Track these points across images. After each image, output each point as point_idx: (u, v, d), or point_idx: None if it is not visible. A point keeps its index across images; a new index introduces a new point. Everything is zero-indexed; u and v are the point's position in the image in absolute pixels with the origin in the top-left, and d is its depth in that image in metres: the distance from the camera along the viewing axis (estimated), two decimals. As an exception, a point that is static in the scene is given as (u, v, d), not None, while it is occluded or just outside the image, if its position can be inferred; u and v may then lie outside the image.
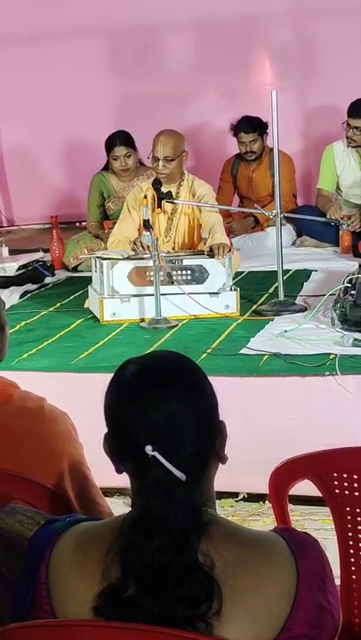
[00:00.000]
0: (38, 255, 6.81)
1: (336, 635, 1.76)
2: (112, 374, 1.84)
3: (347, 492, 2.31)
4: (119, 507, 2.45)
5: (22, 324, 5.37)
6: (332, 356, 4.40)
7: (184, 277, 5.34)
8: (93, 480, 2.46)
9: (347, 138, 7.28)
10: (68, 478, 2.37)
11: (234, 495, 4.36)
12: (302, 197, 8.14)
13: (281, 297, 5.42)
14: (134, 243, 5.50)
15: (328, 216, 7.06)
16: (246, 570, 1.66)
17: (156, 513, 1.66)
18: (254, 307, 5.52)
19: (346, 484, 2.31)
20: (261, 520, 4.15)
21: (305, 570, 1.69)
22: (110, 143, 7.01)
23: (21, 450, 2.36)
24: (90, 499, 2.42)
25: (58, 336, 5.16)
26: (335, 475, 2.32)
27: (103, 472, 2.22)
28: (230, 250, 5.46)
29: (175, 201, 5.71)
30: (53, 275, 6.72)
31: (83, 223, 8.06)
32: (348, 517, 2.33)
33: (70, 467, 2.40)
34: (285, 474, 2.36)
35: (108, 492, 2.57)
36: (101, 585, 1.67)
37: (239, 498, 4.36)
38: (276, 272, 5.48)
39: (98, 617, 1.65)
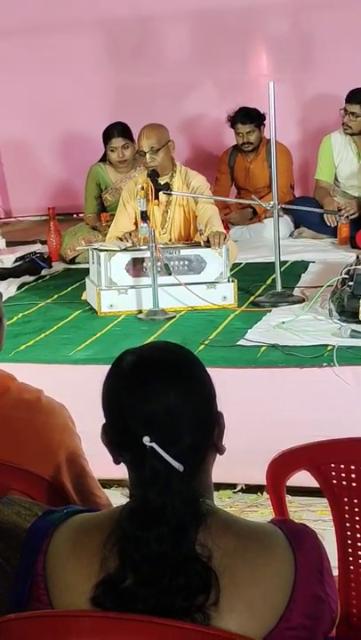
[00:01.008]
0: (36, 247, 6.80)
1: (334, 626, 1.76)
2: (110, 366, 1.84)
3: (344, 483, 2.31)
4: (117, 498, 2.44)
5: (20, 315, 5.37)
6: (329, 348, 4.40)
7: (181, 268, 5.34)
8: (91, 472, 2.46)
9: (343, 125, 7.28)
10: (65, 470, 2.37)
11: (232, 486, 4.36)
12: (300, 189, 8.13)
13: (279, 288, 5.42)
14: (120, 239, 5.54)
15: (325, 208, 7.07)
16: (244, 561, 1.67)
17: (154, 504, 1.67)
18: (252, 298, 5.52)
19: (343, 475, 2.31)
20: (259, 511, 4.15)
21: (303, 561, 1.69)
22: (108, 134, 7.00)
23: (19, 442, 2.36)
24: (87, 490, 2.42)
25: (55, 328, 5.16)
26: (333, 465, 2.32)
27: (101, 463, 2.22)
28: (226, 239, 5.47)
29: (173, 192, 5.72)
30: (51, 266, 6.72)
31: (80, 215, 8.05)
32: (346, 508, 2.33)
33: (68, 459, 2.40)
34: (283, 465, 2.36)
35: (107, 483, 2.57)
36: (99, 576, 1.67)
37: (237, 489, 4.37)
38: (273, 263, 5.48)
39: (95, 607, 1.65)
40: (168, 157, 5.80)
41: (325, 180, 7.43)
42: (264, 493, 4.18)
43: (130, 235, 5.54)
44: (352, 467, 2.31)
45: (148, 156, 5.71)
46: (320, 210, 7.02)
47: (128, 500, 1.74)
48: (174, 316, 5.19)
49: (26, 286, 6.26)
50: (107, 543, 1.68)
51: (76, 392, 3.55)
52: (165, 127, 5.87)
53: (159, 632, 1.57)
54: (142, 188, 5.40)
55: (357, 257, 5.27)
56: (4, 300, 2.83)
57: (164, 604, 1.62)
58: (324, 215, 7.09)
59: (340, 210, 6.98)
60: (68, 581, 1.72)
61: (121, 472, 1.81)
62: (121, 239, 5.61)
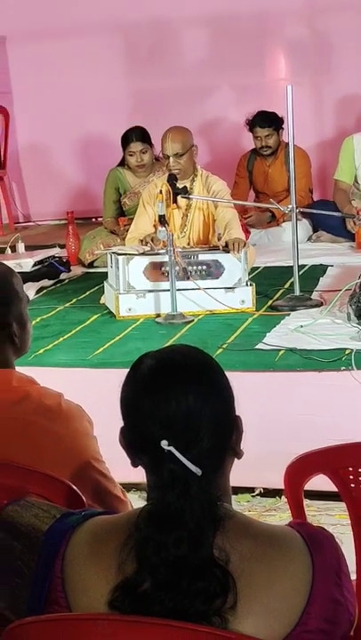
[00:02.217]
0: (54, 251, 6.82)
1: (352, 629, 1.76)
2: (128, 369, 1.84)
3: (362, 487, 2.31)
4: (135, 501, 2.46)
5: (38, 319, 5.38)
6: (347, 351, 4.39)
7: (200, 272, 5.34)
8: (109, 474, 2.46)
9: None
10: (84, 475, 2.38)
11: (250, 490, 4.35)
12: (318, 192, 8.13)
13: (297, 292, 5.42)
14: (141, 240, 5.54)
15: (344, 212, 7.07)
16: (262, 564, 1.66)
17: (173, 507, 1.66)
18: (270, 302, 5.52)
19: (361, 479, 2.31)
20: (278, 515, 4.14)
21: (320, 564, 1.68)
22: (126, 139, 7.01)
23: (38, 448, 2.36)
24: (108, 493, 2.42)
25: (74, 331, 5.17)
26: (350, 469, 2.31)
27: (119, 467, 2.23)
28: (245, 245, 5.46)
29: (191, 196, 5.72)
30: (69, 270, 6.73)
31: (99, 219, 8.07)
32: (364, 512, 2.33)
33: (86, 463, 2.41)
34: (300, 469, 2.36)
35: (125, 486, 2.57)
36: (117, 579, 1.67)
37: (255, 493, 4.36)
38: (292, 267, 5.47)
39: (113, 611, 1.65)
40: (191, 162, 5.80)
41: (345, 180, 7.40)
42: (282, 497, 4.17)
43: (152, 240, 5.53)
44: (370, 470, 2.31)
45: (171, 159, 5.71)
46: (338, 213, 7.01)
47: (146, 503, 1.74)
48: (192, 320, 5.19)
49: (44, 290, 6.28)
50: (125, 546, 1.68)
51: (94, 395, 3.56)
52: (190, 131, 5.87)
53: (177, 635, 1.57)
54: (161, 192, 5.41)
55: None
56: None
57: (181, 608, 1.62)
58: (346, 220, 7.08)
59: (358, 213, 6.97)
60: (85, 584, 1.72)
61: (139, 475, 1.81)
62: (142, 241, 5.61)
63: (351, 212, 7.08)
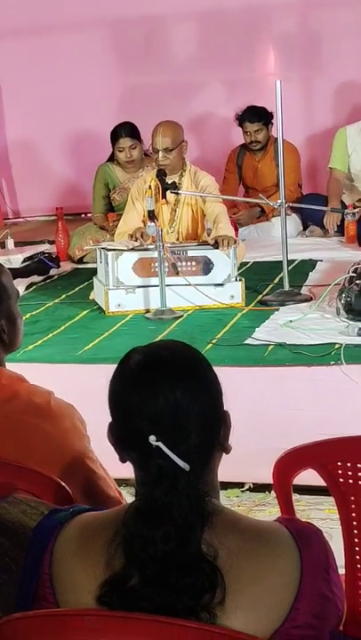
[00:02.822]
0: (44, 247, 6.81)
1: (340, 624, 1.76)
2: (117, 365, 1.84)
3: (351, 482, 2.31)
4: (124, 497, 2.46)
5: (28, 315, 5.37)
6: (337, 346, 4.40)
7: (189, 268, 5.34)
8: (101, 472, 2.45)
9: None
10: (73, 473, 2.37)
11: (240, 485, 4.36)
12: (308, 187, 8.12)
13: (286, 287, 5.42)
14: (131, 235, 5.54)
15: (325, 223, 7.10)
16: (250, 560, 1.67)
17: (160, 503, 1.67)
18: (260, 297, 5.52)
19: (350, 474, 2.30)
20: (267, 510, 4.15)
21: (308, 560, 1.69)
22: (116, 134, 7.00)
23: (28, 447, 2.35)
24: (97, 490, 2.42)
25: (63, 327, 5.16)
26: (339, 464, 2.31)
27: (108, 463, 2.23)
28: (235, 242, 5.46)
29: (180, 191, 5.72)
30: (59, 266, 6.72)
31: (88, 215, 8.06)
32: (353, 507, 2.32)
33: (76, 461, 2.40)
34: (289, 463, 2.36)
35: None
36: (105, 575, 1.67)
37: (245, 488, 4.37)
38: (281, 262, 5.48)
39: (101, 606, 1.65)
40: (180, 157, 5.80)
41: (339, 168, 7.39)
42: (272, 492, 4.18)
43: (141, 235, 5.52)
44: (359, 465, 2.30)
45: (160, 154, 5.70)
46: (326, 208, 7.02)
47: (134, 498, 1.74)
48: (182, 316, 5.19)
49: (34, 286, 6.27)
50: (112, 542, 1.68)
51: (83, 391, 3.55)
52: (181, 126, 5.86)
53: (165, 631, 1.57)
54: (150, 187, 5.40)
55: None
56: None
57: (169, 603, 1.62)
58: (325, 218, 7.10)
59: (347, 207, 6.98)
60: (73, 580, 1.72)
61: (128, 471, 1.81)
62: (132, 235, 5.60)
63: (336, 206, 7.09)
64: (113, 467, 2.02)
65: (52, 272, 6.59)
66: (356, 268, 5.01)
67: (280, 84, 5.28)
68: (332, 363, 4.26)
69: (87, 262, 6.73)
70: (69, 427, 2.44)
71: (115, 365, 1.85)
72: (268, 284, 5.79)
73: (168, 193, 5.58)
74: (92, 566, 1.70)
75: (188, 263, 5.34)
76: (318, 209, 6.96)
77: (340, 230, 7.11)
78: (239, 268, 5.64)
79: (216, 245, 5.38)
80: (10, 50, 9.08)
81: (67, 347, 4.79)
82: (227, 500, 4.22)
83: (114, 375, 1.82)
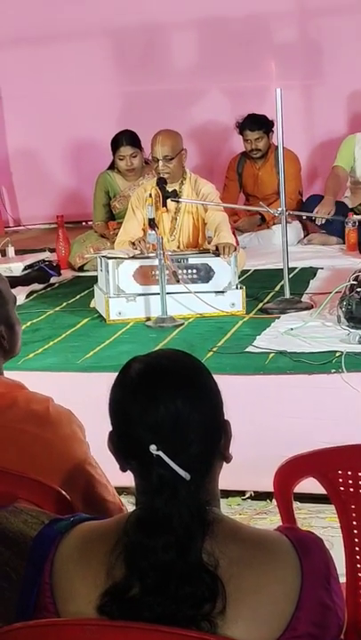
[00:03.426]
0: (44, 255, 6.81)
1: (341, 634, 1.75)
2: (117, 373, 1.84)
3: (352, 490, 2.30)
4: (126, 506, 2.45)
5: (28, 323, 5.37)
6: (338, 354, 4.40)
7: (190, 276, 5.34)
8: (102, 478, 2.45)
9: None
10: (74, 481, 2.36)
11: (241, 493, 4.36)
12: (308, 194, 8.12)
13: (287, 295, 5.42)
14: (133, 243, 5.54)
15: (315, 211, 7.11)
16: (250, 569, 1.66)
17: (161, 512, 1.66)
18: (260, 305, 5.52)
19: (351, 482, 2.30)
20: (268, 518, 4.14)
21: (309, 569, 1.68)
22: (116, 143, 7.00)
23: (28, 455, 2.34)
24: (97, 498, 2.41)
25: (64, 335, 5.16)
26: (340, 472, 2.31)
27: (108, 471, 2.23)
28: (236, 249, 5.47)
29: (180, 199, 5.72)
30: (59, 274, 6.72)
31: (89, 223, 8.06)
32: (354, 515, 2.32)
33: (76, 468, 2.39)
34: (290, 472, 2.36)
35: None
36: (106, 584, 1.67)
37: (246, 496, 4.36)
38: (282, 270, 5.48)
39: (102, 616, 1.65)
40: (180, 166, 5.80)
41: (343, 165, 7.41)
42: (273, 500, 4.16)
43: (142, 242, 5.53)
44: (359, 473, 2.30)
45: (160, 163, 5.70)
46: (327, 216, 7.04)
47: (135, 507, 1.74)
48: (183, 324, 5.19)
49: (35, 294, 6.27)
50: (113, 551, 1.68)
51: (84, 400, 3.55)
52: (180, 135, 5.87)
53: (165, 640, 1.57)
54: (150, 196, 5.40)
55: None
56: (13, 307, 2.82)
57: (170, 613, 1.62)
58: (316, 207, 7.13)
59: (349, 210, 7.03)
60: (74, 590, 1.72)
61: (128, 479, 1.80)
62: (134, 243, 5.61)
63: (328, 207, 7.10)
64: (113, 475, 2.02)
65: (53, 280, 6.59)
66: (357, 276, 5.01)
67: (281, 92, 5.29)
68: (333, 371, 4.26)
69: (88, 270, 6.73)
70: (69, 433, 2.43)
71: (115, 374, 1.84)
72: (268, 291, 5.79)
73: (169, 201, 5.58)
74: (92, 576, 1.70)
75: (189, 271, 5.34)
76: (318, 217, 6.98)
77: (332, 230, 7.12)
78: (240, 276, 5.64)
79: (217, 253, 5.38)
80: (10, 58, 9.09)
81: (67, 355, 4.79)
82: (228, 508, 4.21)
83: (114, 384, 1.82)
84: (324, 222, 7.20)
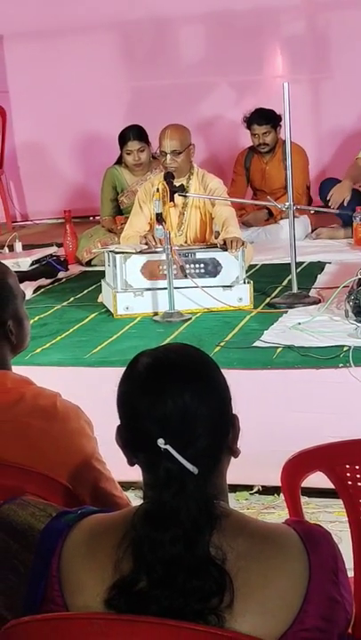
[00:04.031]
0: (52, 250, 6.81)
1: (349, 627, 1.75)
2: (125, 368, 1.84)
3: (359, 484, 2.30)
4: (132, 500, 2.45)
5: (36, 318, 5.36)
6: (345, 348, 4.39)
7: (197, 271, 5.34)
8: (109, 473, 2.45)
9: None
10: (81, 475, 2.37)
11: (249, 488, 4.36)
12: (316, 190, 8.11)
13: (295, 289, 5.42)
14: (144, 237, 5.55)
15: (330, 193, 7.07)
16: (258, 562, 1.66)
17: (169, 506, 1.66)
18: (268, 299, 5.51)
19: (358, 476, 2.30)
20: (276, 512, 4.14)
21: (317, 562, 1.68)
22: (124, 137, 7.00)
23: (36, 450, 2.34)
24: (105, 492, 2.42)
25: (71, 330, 5.16)
26: (348, 466, 2.31)
27: (116, 466, 2.22)
28: (243, 244, 5.46)
29: (188, 194, 5.72)
30: (67, 269, 6.73)
31: (96, 217, 8.07)
32: (361, 509, 2.32)
33: (84, 463, 2.39)
34: (297, 466, 2.36)
35: (122, 485, 2.56)
36: (113, 578, 1.67)
37: (254, 490, 4.36)
38: (289, 264, 5.47)
39: (109, 610, 1.65)
40: (188, 160, 5.80)
41: None
42: (281, 495, 4.17)
43: (152, 236, 5.54)
44: (367, 468, 2.31)
45: (168, 157, 5.71)
46: (335, 210, 7.02)
47: (142, 501, 1.74)
48: (190, 318, 5.19)
49: (42, 289, 6.28)
50: (121, 545, 1.68)
51: (91, 394, 3.55)
52: (188, 130, 5.87)
53: (173, 634, 1.57)
54: (158, 190, 5.40)
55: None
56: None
57: (177, 607, 1.62)
58: (330, 193, 7.10)
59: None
60: (82, 583, 1.72)
61: (136, 474, 1.81)
62: (145, 237, 5.62)
63: (344, 192, 7.06)
64: (121, 469, 2.02)
65: (61, 275, 6.60)
66: (365, 271, 5.01)
67: (288, 86, 5.28)
68: (341, 365, 4.25)
69: (95, 265, 6.74)
70: (76, 429, 2.44)
71: (123, 368, 1.84)
72: (276, 286, 5.79)
73: (176, 196, 5.57)
74: (100, 569, 1.70)
75: (197, 265, 5.34)
76: (326, 211, 6.96)
77: (347, 215, 7.11)
78: (247, 271, 5.64)
79: (224, 247, 5.38)
80: (18, 53, 9.10)
81: (75, 350, 4.79)
82: (236, 502, 4.21)
83: (122, 378, 1.82)
84: (337, 206, 7.11)
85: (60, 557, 1.75)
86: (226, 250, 5.36)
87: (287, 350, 4.49)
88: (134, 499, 2.50)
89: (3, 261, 2.68)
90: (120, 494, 2.46)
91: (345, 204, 7.04)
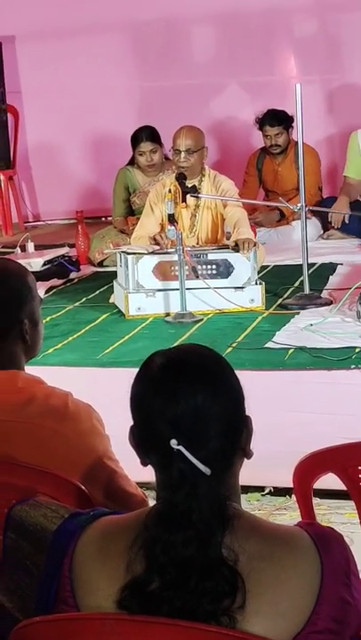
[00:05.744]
0: (64, 250, 6.82)
1: (361, 629, 1.75)
2: (138, 368, 1.84)
3: (372, 486, 2.30)
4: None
5: (48, 319, 5.37)
6: (357, 350, 4.39)
7: (209, 272, 5.34)
8: (122, 471, 2.45)
9: None
10: (94, 474, 2.37)
11: (260, 489, 4.35)
12: (328, 191, 8.12)
13: (306, 290, 5.41)
14: (154, 238, 5.56)
15: (330, 218, 7.13)
16: (270, 564, 1.66)
17: (181, 507, 1.66)
18: (280, 300, 5.51)
19: (371, 478, 2.30)
20: (288, 514, 4.14)
21: (329, 564, 1.68)
22: (136, 138, 7.01)
23: (48, 450, 2.35)
24: (120, 489, 2.41)
25: (83, 331, 5.17)
26: (360, 468, 2.31)
27: (129, 466, 2.23)
28: (255, 245, 5.46)
29: (200, 195, 5.72)
30: (79, 270, 6.74)
31: (108, 218, 8.07)
32: (374, 511, 2.32)
33: (96, 462, 2.39)
34: (310, 467, 2.35)
35: (135, 486, 2.57)
36: (125, 579, 1.67)
37: (265, 492, 4.36)
38: (301, 266, 5.47)
39: (121, 610, 1.65)
40: (200, 162, 5.82)
41: (353, 176, 7.40)
42: (292, 496, 4.16)
43: (161, 236, 5.55)
44: (379, 469, 2.30)
45: (182, 155, 5.72)
46: (345, 212, 7.03)
47: (155, 502, 1.74)
48: (202, 319, 5.19)
49: (54, 290, 6.28)
50: (133, 546, 1.68)
51: (104, 395, 3.56)
52: (203, 133, 5.91)
53: (185, 635, 1.57)
54: (170, 191, 5.41)
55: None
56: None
57: (190, 608, 1.61)
58: (330, 215, 7.13)
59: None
60: (94, 584, 1.71)
61: (149, 474, 1.81)
62: (155, 238, 5.63)
63: (341, 208, 7.09)
64: (134, 470, 2.02)
65: (72, 275, 6.61)
66: (377, 272, 5.01)
67: (300, 87, 5.28)
68: (353, 366, 4.25)
69: (107, 266, 6.74)
70: (88, 428, 2.44)
71: (135, 369, 1.84)
72: (288, 287, 5.79)
73: (188, 197, 5.58)
74: (112, 570, 1.70)
75: (208, 266, 5.34)
76: (338, 213, 6.96)
77: (348, 229, 7.12)
78: (259, 272, 5.64)
79: (236, 248, 5.38)
80: (30, 54, 9.12)
81: (87, 350, 4.80)
82: (247, 503, 4.21)
83: (135, 378, 1.82)
84: (340, 225, 7.18)
85: (73, 558, 1.75)
86: (238, 251, 5.36)
87: (299, 351, 4.49)
88: (147, 499, 2.50)
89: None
90: (135, 491, 2.46)
91: (346, 220, 7.08)
